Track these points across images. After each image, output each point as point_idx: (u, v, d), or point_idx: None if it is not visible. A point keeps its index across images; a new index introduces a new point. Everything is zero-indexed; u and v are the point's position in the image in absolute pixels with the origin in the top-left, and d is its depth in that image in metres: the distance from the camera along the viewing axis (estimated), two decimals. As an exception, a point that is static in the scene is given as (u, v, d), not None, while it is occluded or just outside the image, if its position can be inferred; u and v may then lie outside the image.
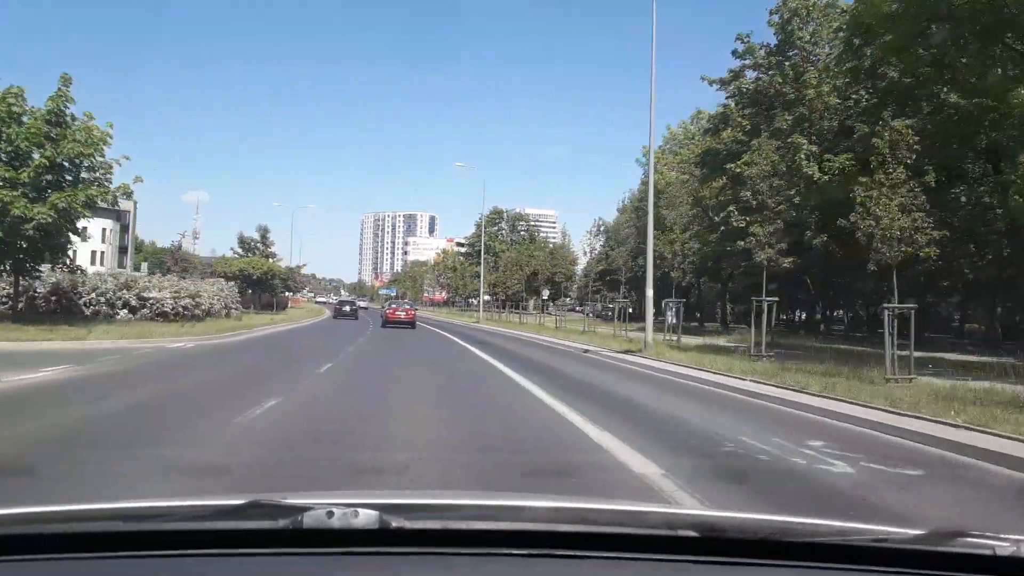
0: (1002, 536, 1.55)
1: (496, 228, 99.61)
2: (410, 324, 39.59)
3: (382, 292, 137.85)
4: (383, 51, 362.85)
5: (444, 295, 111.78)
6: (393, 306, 45.42)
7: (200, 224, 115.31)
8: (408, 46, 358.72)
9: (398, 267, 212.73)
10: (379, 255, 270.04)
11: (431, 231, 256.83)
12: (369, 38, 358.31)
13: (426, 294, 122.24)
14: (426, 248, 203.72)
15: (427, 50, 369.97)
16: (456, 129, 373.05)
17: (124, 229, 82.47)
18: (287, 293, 71.24)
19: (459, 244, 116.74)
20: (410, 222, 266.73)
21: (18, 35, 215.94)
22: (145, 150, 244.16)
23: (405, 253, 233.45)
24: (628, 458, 7.20)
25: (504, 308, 69.07)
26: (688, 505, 5.35)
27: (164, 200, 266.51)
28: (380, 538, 1.50)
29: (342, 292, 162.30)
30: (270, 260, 61.83)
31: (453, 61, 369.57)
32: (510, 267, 67.88)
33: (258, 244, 62.45)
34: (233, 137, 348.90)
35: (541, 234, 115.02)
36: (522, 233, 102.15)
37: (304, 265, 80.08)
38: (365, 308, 79.56)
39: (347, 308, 55.85)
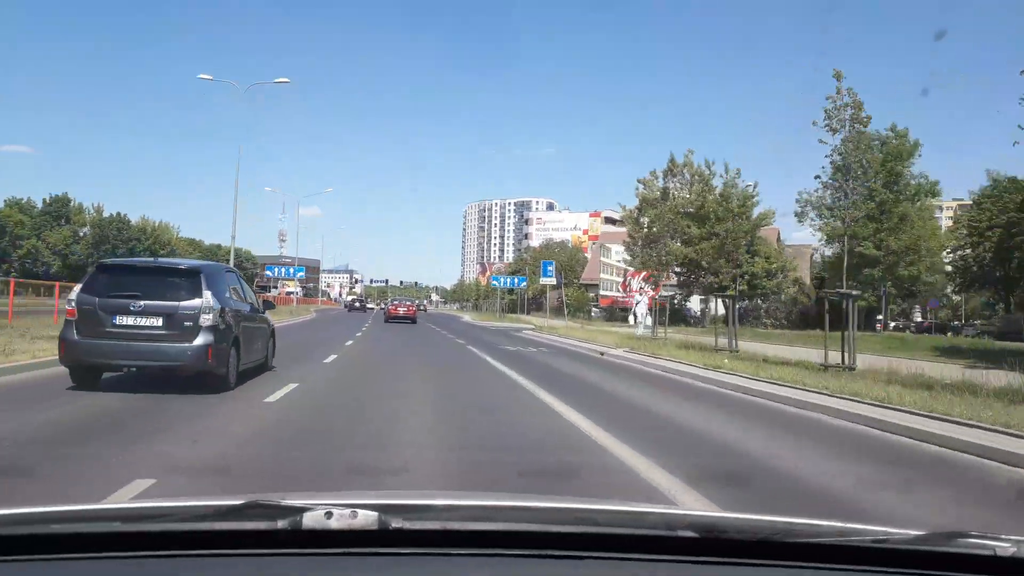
0: (1003, 536, 1.51)
1: None
2: (411, 319, 43.53)
3: (495, 283, 70.44)
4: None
5: (656, 291, 41.10)
6: (395, 303, 49.07)
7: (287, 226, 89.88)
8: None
9: (510, 259, 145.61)
10: (486, 251, 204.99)
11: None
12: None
13: (605, 295, 51.35)
14: (557, 228, 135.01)
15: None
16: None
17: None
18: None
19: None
20: (522, 209, 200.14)
21: None
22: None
23: (525, 237, 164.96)
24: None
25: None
26: None
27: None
28: (380, 539, 1.47)
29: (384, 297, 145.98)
30: None
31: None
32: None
33: None
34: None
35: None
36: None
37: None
38: (372, 308, 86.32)
39: (357, 304, 79.50)
